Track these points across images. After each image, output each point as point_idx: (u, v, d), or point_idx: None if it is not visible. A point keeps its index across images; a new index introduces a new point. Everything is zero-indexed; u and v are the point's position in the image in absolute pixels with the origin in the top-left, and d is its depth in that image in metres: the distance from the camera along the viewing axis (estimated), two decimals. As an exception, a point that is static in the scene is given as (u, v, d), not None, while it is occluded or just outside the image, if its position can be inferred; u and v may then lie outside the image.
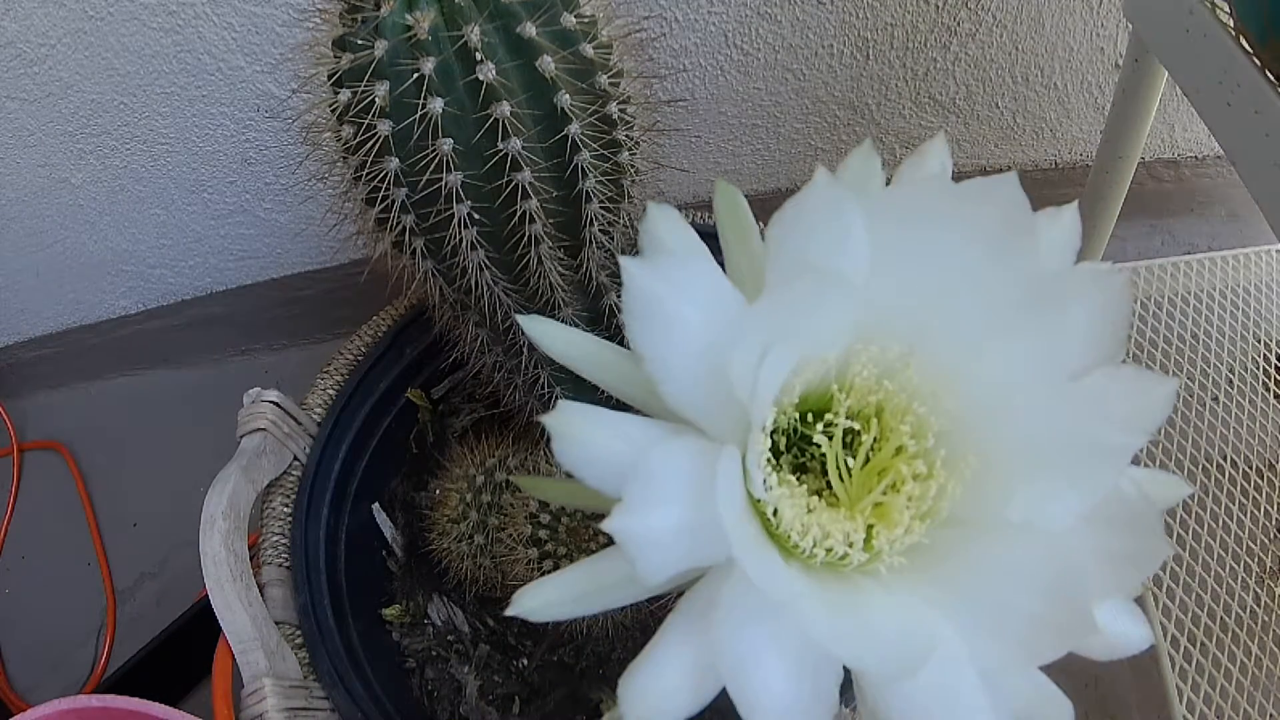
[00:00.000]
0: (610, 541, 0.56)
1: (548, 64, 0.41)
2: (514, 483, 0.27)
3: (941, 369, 0.22)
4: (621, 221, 0.50)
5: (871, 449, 0.24)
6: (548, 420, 0.21)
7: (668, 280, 0.20)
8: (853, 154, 0.21)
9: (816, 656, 0.19)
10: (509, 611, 0.23)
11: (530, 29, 0.40)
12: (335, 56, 0.41)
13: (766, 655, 0.19)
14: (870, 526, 0.25)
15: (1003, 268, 0.19)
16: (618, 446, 0.21)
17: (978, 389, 0.22)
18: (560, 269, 0.50)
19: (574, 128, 0.43)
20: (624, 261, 0.20)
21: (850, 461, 0.24)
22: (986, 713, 0.19)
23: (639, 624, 0.63)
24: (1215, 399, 0.89)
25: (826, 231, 0.19)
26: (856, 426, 0.24)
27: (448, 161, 0.42)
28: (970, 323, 0.20)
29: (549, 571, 0.56)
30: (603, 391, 0.60)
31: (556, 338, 0.25)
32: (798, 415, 0.26)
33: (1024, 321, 0.19)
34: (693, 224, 0.71)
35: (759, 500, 0.24)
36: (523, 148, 0.42)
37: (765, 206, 1.00)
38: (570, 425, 0.21)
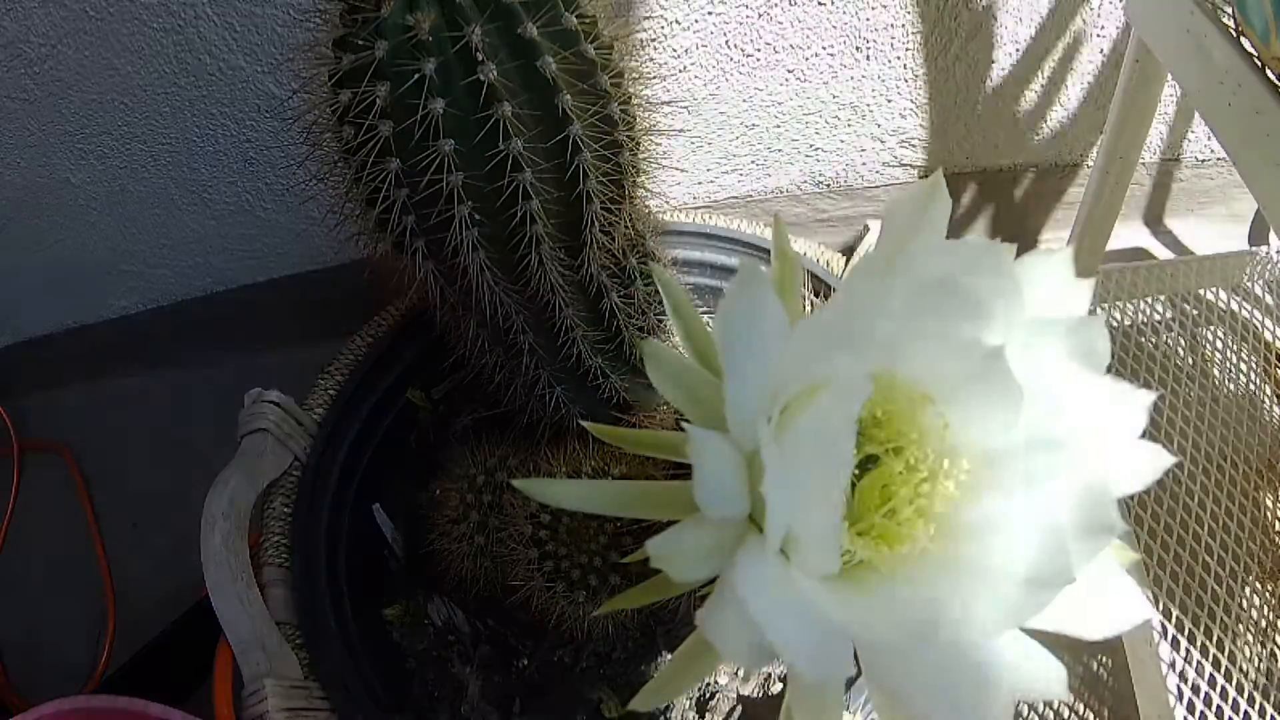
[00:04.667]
0: (610, 543, 0.55)
1: (549, 64, 0.41)
2: (515, 485, 0.26)
3: (934, 388, 0.24)
4: (622, 222, 0.50)
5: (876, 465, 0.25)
6: (693, 457, 0.21)
7: (746, 316, 0.21)
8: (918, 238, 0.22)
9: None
10: (654, 562, 0.22)
11: (531, 29, 0.40)
12: (336, 57, 0.41)
13: (785, 616, 0.20)
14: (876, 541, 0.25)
15: (988, 324, 0.21)
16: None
17: (970, 410, 0.23)
18: (561, 270, 0.50)
19: (575, 128, 0.43)
20: (727, 288, 0.21)
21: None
22: (983, 672, 0.21)
23: (640, 625, 0.63)
24: (1215, 399, 0.89)
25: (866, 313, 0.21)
26: (886, 448, 0.25)
27: (449, 162, 0.42)
28: (961, 364, 0.22)
29: (549, 572, 0.56)
30: (601, 393, 0.60)
31: (667, 361, 0.24)
32: None
33: (1003, 365, 0.21)
34: (693, 224, 0.71)
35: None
36: (524, 148, 0.42)
37: (766, 207, 1.00)
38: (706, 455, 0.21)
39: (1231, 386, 0.91)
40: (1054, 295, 0.22)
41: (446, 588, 0.68)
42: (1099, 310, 0.93)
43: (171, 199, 0.90)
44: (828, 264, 0.70)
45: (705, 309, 0.68)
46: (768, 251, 0.70)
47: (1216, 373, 0.91)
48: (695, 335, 0.27)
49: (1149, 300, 0.95)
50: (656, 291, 0.59)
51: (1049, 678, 0.21)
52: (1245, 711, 0.70)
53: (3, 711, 0.84)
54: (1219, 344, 0.94)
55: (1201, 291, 0.97)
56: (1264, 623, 0.75)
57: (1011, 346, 0.21)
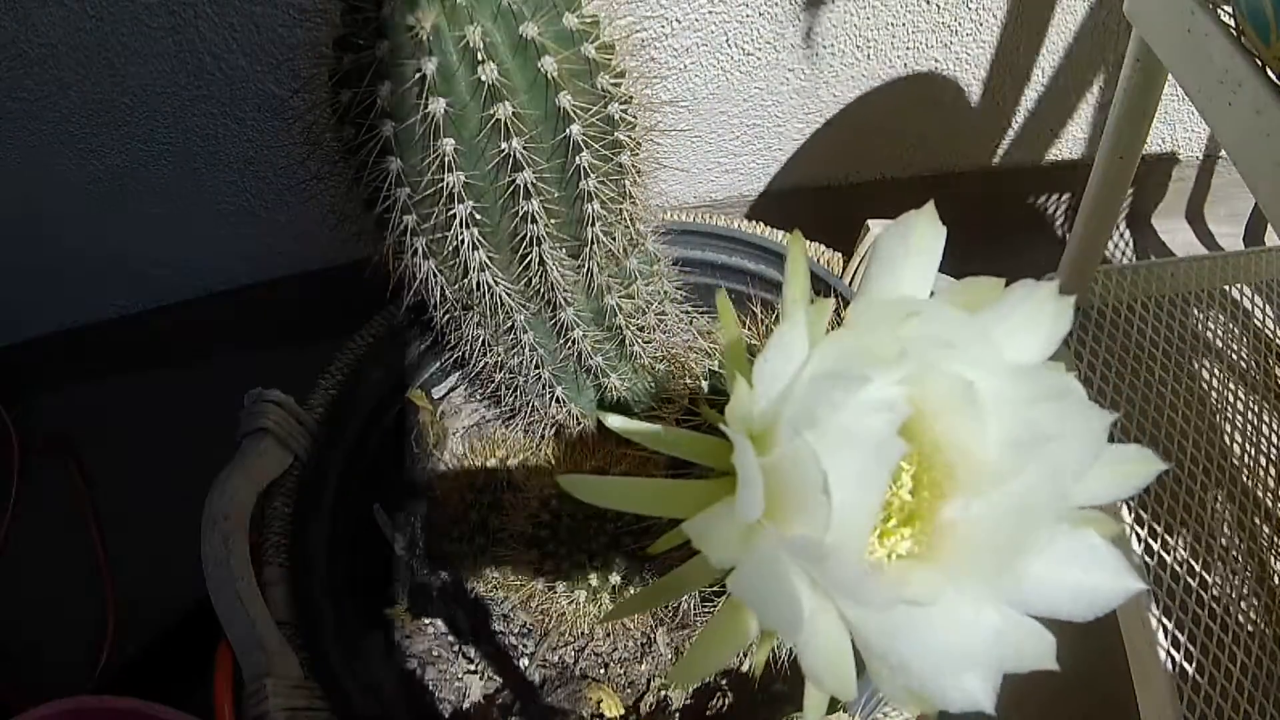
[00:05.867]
0: (610, 543, 0.55)
1: (550, 64, 0.41)
2: (560, 483, 0.27)
3: (924, 410, 0.26)
4: (623, 222, 0.50)
5: None
6: (737, 464, 0.23)
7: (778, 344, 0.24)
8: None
9: None
10: (695, 543, 0.24)
11: (532, 29, 0.40)
12: (336, 57, 0.41)
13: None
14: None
15: (970, 367, 0.24)
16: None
17: (951, 429, 0.26)
18: (561, 269, 0.50)
19: (576, 128, 0.43)
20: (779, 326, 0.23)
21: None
22: (973, 642, 0.23)
23: (640, 625, 0.64)
24: (1214, 397, 0.89)
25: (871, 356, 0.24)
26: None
27: (449, 162, 0.42)
28: (945, 395, 0.25)
29: (550, 572, 0.56)
30: (602, 392, 0.60)
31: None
32: None
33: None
34: (693, 223, 0.71)
35: None
36: (524, 148, 0.42)
37: (767, 207, 1.00)
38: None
39: (1230, 384, 0.91)
40: (1037, 323, 0.24)
41: (447, 588, 0.68)
42: (1098, 308, 0.94)
43: (172, 199, 0.90)
44: (828, 264, 0.70)
45: (706, 309, 0.68)
46: (767, 250, 0.70)
47: (1215, 371, 0.91)
48: (734, 341, 0.29)
49: (1148, 300, 0.96)
50: (657, 291, 0.59)
51: (1038, 648, 0.23)
52: (1245, 710, 0.70)
53: (3, 711, 0.84)
54: (1219, 342, 0.94)
55: (1201, 291, 0.97)
56: (1264, 623, 0.75)
57: (988, 385, 0.24)
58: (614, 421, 0.27)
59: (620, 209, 0.49)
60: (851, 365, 0.24)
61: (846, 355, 0.24)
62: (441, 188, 0.43)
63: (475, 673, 0.65)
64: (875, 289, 0.26)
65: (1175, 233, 1.22)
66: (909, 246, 0.25)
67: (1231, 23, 0.58)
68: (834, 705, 0.51)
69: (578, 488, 0.26)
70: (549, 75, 0.41)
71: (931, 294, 0.26)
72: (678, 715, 0.62)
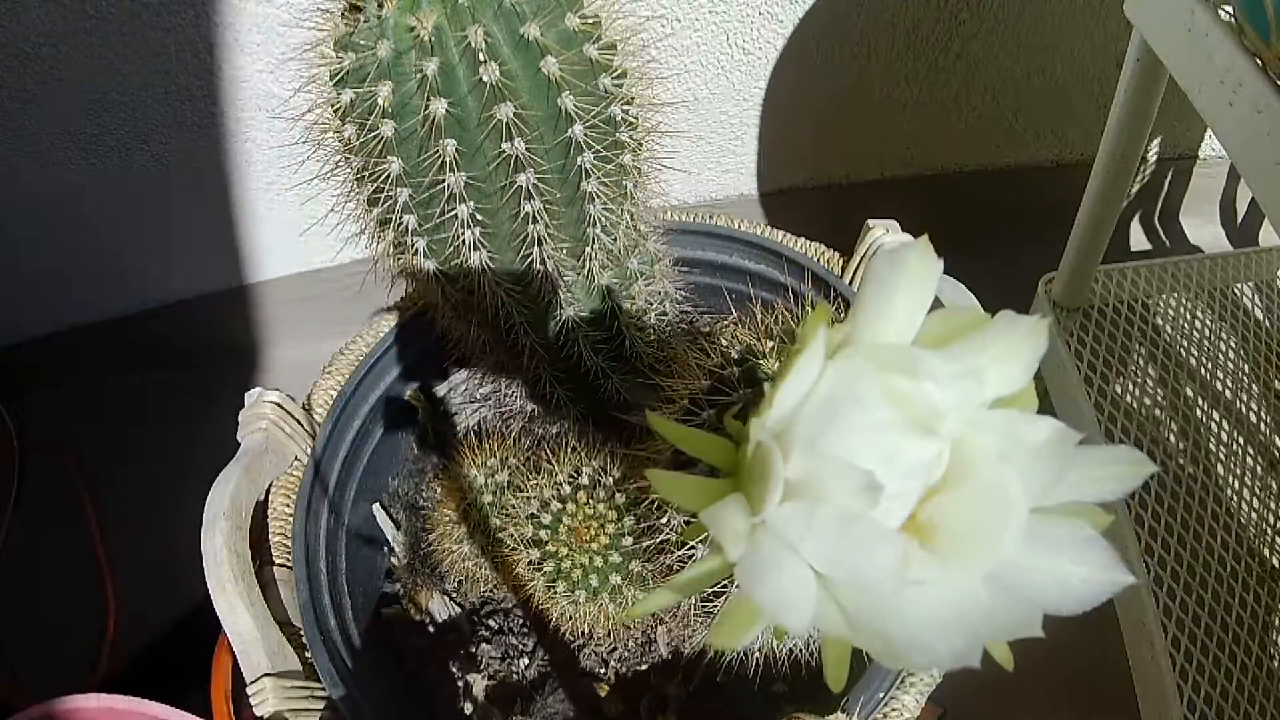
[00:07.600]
0: (611, 543, 0.55)
1: (551, 65, 0.41)
2: (649, 476, 0.28)
3: None
4: (624, 223, 0.50)
5: None
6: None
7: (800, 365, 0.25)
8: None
9: None
10: (714, 532, 0.25)
11: (534, 30, 0.40)
12: (337, 57, 0.41)
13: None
14: None
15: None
16: None
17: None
18: (562, 270, 0.50)
19: (577, 129, 0.43)
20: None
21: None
22: (958, 616, 0.24)
23: (639, 624, 0.64)
24: (1214, 397, 0.89)
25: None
26: None
27: (450, 162, 0.42)
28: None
29: (550, 572, 0.56)
30: (605, 392, 0.60)
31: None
32: None
33: None
34: (694, 223, 0.70)
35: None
36: (526, 149, 0.42)
37: (768, 206, 0.99)
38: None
39: (1230, 383, 0.91)
40: (1019, 351, 0.26)
41: (447, 587, 0.68)
42: (1098, 308, 0.93)
43: (172, 199, 0.90)
44: (828, 263, 0.70)
45: (706, 309, 0.68)
46: (767, 250, 0.70)
47: (1216, 370, 0.91)
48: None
49: (1149, 300, 0.96)
50: (658, 291, 0.59)
51: (1026, 615, 0.24)
52: (1245, 710, 0.70)
53: (3, 711, 0.84)
54: (1219, 342, 0.94)
55: (1201, 291, 0.97)
56: (1264, 623, 0.75)
57: (966, 417, 0.26)
58: (654, 419, 0.28)
59: (621, 209, 0.49)
60: (859, 390, 0.26)
61: (854, 380, 0.26)
62: (442, 188, 0.43)
63: (476, 671, 0.65)
64: (870, 318, 0.27)
65: (1200, 228, 1.22)
66: (908, 276, 0.26)
67: (1232, 22, 0.58)
68: (836, 704, 0.51)
69: (665, 486, 0.27)
70: (551, 76, 0.41)
71: (935, 299, 0.26)
72: (677, 714, 0.62)
